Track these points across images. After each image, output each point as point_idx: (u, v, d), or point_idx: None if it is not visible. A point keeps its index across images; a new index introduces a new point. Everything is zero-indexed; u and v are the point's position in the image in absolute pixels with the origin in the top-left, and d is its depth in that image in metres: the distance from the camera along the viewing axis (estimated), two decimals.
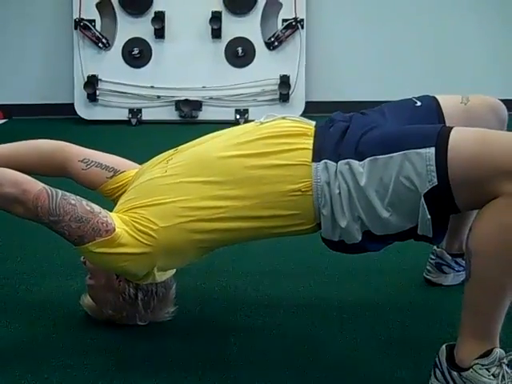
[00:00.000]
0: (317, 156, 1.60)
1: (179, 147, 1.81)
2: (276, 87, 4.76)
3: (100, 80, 4.75)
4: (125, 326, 1.86)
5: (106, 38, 4.74)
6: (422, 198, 1.48)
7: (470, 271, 1.48)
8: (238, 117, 4.75)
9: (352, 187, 1.55)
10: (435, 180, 1.46)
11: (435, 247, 2.10)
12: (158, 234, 1.63)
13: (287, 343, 1.81)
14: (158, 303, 1.85)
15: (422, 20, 4.91)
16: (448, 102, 1.78)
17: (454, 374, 1.52)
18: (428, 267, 2.14)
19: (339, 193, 1.57)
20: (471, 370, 1.50)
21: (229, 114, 4.75)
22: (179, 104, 4.76)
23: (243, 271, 2.23)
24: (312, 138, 1.64)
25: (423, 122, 1.68)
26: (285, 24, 4.74)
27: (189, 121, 4.76)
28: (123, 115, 4.78)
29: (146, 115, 4.79)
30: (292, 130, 1.67)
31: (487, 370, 1.48)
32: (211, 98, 4.78)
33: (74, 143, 1.99)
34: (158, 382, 1.64)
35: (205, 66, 4.78)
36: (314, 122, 1.72)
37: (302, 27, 4.75)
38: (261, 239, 1.78)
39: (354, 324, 1.90)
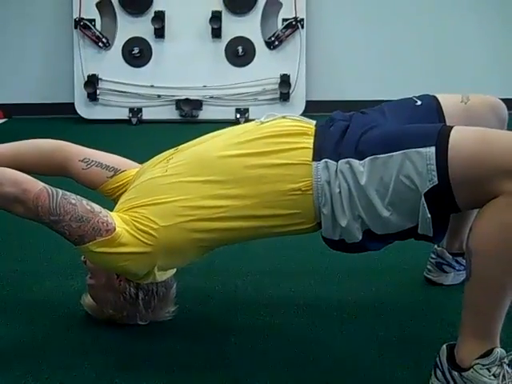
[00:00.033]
0: (317, 155, 1.60)
1: (179, 146, 1.81)
2: (276, 86, 4.76)
3: (100, 79, 4.75)
4: (125, 325, 1.86)
5: (106, 38, 4.74)
6: (423, 197, 1.48)
7: (470, 270, 1.48)
8: (238, 116, 4.75)
9: (352, 186, 1.55)
10: (435, 179, 1.46)
11: (436, 246, 2.10)
12: (159, 234, 1.63)
13: (287, 343, 1.81)
14: (159, 303, 1.85)
15: (422, 19, 4.91)
16: (448, 101, 1.78)
17: (455, 373, 1.52)
18: (428, 266, 2.14)
19: (339, 192, 1.57)
20: (472, 369, 1.49)
21: (229, 114, 4.75)
22: (180, 103, 4.76)
23: (243, 271, 2.23)
24: (312, 138, 1.64)
25: (423, 122, 1.68)
26: (285, 23, 4.74)
27: (189, 120, 4.76)
28: (123, 114, 4.78)
29: (147, 114, 4.79)
30: (292, 129, 1.67)
31: (488, 369, 1.48)
32: (211, 98, 4.78)
33: (74, 143, 1.99)
34: (158, 381, 1.64)
35: (205, 65, 4.78)
36: (314, 122, 1.72)
37: (302, 27, 4.75)
38: (261, 238, 1.78)
39: (355, 323, 1.90)
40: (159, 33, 4.75)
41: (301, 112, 4.57)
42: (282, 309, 1.99)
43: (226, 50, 4.77)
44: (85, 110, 4.81)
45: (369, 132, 1.60)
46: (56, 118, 4.82)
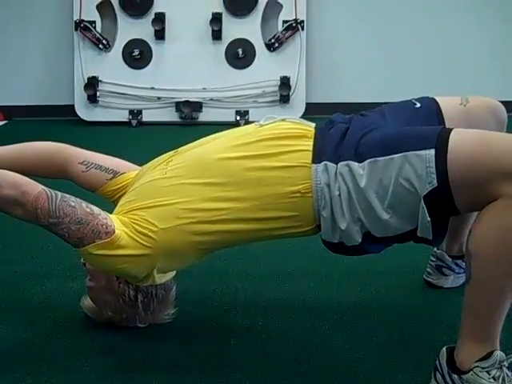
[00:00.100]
0: (317, 158, 1.60)
1: (179, 149, 1.81)
2: (276, 88, 4.76)
3: (100, 81, 4.76)
4: (125, 327, 1.86)
5: (106, 40, 4.75)
6: (422, 200, 1.48)
7: (470, 273, 1.48)
8: (238, 118, 4.75)
9: (352, 189, 1.55)
10: (435, 182, 1.46)
11: (435, 249, 2.10)
12: (158, 236, 1.63)
13: (287, 345, 1.80)
14: (158, 305, 1.85)
15: (422, 22, 4.91)
16: (447, 104, 1.78)
17: (455, 376, 1.52)
18: (428, 269, 2.13)
19: (339, 194, 1.56)
20: (471, 372, 1.49)
21: (229, 116, 4.75)
22: (179, 105, 4.77)
23: (243, 273, 2.23)
24: (312, 140, 1.64)
25: (423, 124, 1.68)
26: (285, 25, 4.74)
27: (189, 122, 4.77)
28: (123, 116, 4.78)
29: (147, 116, 4.79)
30: (292, 131, 1.67)
31: (487, 372, 1.48)
32: (211, 100, 4.78)
33: (74, 145, 1.99)
34: (158, 383, 1.63)
35: (205, 67, 4.78)
36: (313, 124, 1.72)
37: (303, 28, 4.75)
38: (261, 241, 1.78)
39: (354, 326, 1.90)
40: (159, 35, 4.76)
41: (301, 114, 4.58)
42: (281, 311, 1.99)
43: (226, 52, 4.78)
44: (85, 112, 4.81)
45: (368, 134, 1.60)
46: (56, 120, 4.83)
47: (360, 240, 1.59)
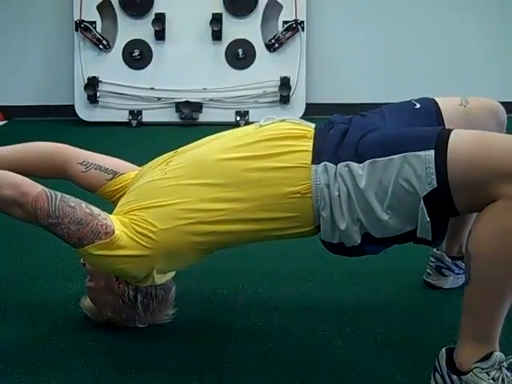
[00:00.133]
0: (316, 158, 1.60)
1: (179, 149, 1.81)
2: (276, 89, 4.76)
3: (100, 81, 4.76)
4: (124, 328, 1.86)
5: (106, 40, 4.75)
6: (422, 201, 1.48)
7: (469, 274, 1.48)
8: (238, 118, 4.75)
9: (351, 189, 1.55)
10: (435, 183, 1.46)
11: (435, 250, 2.10)
12: (158, 236, 1.63)
13: (287, 346, 1.80)
14: (158, 305, 1.85)
15: (422, 22, 4.91)
16: (447, 105, 1.78)
17: (454, 377, 1.52)
18: (428, 270, 2.13)
19: (339, 195, 1.56)
20: (471, 373, 1.49)
21: (229, 116, 4.75)
22: (179, 106, 4.77)
23: (243, 274, 2.23)
24: (312, 141, 1.64)
25: (422, 125, 1.68)
26: (285, 26, 4.74)
27: (189, 122, 4.77)
28: (123, 117, 4.78)
29: (147, 117, 4.79)
30: (292, 132, 1.67)
31: (487, 373, 1.48)
32: (211, 100, 4.78)
33: (74, 145, 1.99)
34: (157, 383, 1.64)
35: (205, 67, 4.78)
36: (313, 125, 1.72)
37: (303, 29, 4.75)
38: (260, 242, 1.78)
39: (354, 327, 1.90)
40: (160, 35, 4.76)
41: (301, 115, 4.57)
42: (281, 312, 1.99)
43: (226, 53, 4.78)
44: (85, 113, 4.81)
45: (368, 135, 1.60)
46: (56, 120, 4.83)
47: (359, 241, 1.59)
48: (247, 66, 4.78)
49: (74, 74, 4.79)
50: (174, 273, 1.87)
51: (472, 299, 1.50)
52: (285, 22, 4.75)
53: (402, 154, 1.50)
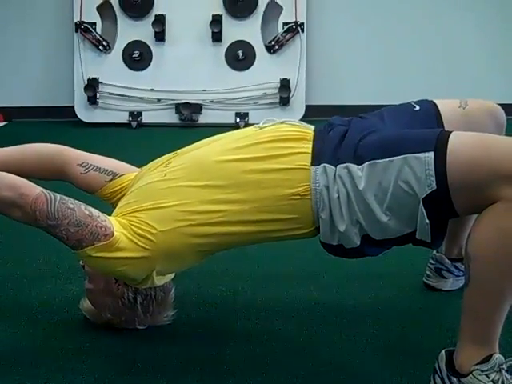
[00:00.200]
0: (316, 160, 1.60)
1: (178, 151, 1.81)
2: (276, 91, 4.76)
3: (100, 83, 4.76)
4: (124, 329, 1.86)
5: (106, 41, 4.74)
6: (421, 203, 1.48)
7: (469, 276, 1.48)
8: (238, 120, 4.74)
9: (351, 191, 1.55)
10: (434, 184, 1.46)
11: (435, 252, 2.10)
12: (157, 238, 1.63)
13: (286, 348, 1.80)
14: (157, 307, 1.85)
15: (423, 24, 4.90)
16: (446, 107, 1.78)
17: (454, 379, 1.52)
18: (427, 272, 2.13)
19: (338, 197, 1.56)
20: (471, 375, 1.49)
21: (229, 118, 4.75)
22: (179, 107, 4.76)
23: (243, 275, 2.23)
24: (311, 142, 1.64)
25: (422, 127, 1.68)
26: (285, 27, 4.74)
27: (189, 124, 4.76)
28: (123, 118, 4.77)
29: (147, 118, 4.79)
30: (291, 134, 1.67)
31: (487, 375, 1.48)
32: (211, 102, 4.78)
33: (73, 146, 1.99)
34: None
35: (205, 69, 4.78)
36: (312, 127, 1.72)
37: (303, 31, 4.75)
38: (260, 243, 1.78)
39: (354, 329, 1.90)
40: (160, 36, 4.75)
41: (300, 116, 4.57)
42: (281, 313, 1.98)
43: (226, 54, 4.77)
44: (85, 114, 4.81)
45: (367, 137, 1.60)
46: (56, 122, 4.82)
47: (359, 242, 1.59)
48: (247, 68, 4.78)
49: (73, 75, 4.79)
50: (173, 274, 1.87)
51: (471, 301, 1.50)
52: (285, 24, 4.75)
53: (401, 156, 1.50)
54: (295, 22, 4.74)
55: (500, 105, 1.85)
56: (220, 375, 1.68)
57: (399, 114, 1.76)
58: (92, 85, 4.72)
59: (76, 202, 1.65)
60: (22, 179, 1.65)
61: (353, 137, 1.61)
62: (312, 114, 4.58)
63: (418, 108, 1.77)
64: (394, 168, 1.51)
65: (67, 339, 1.85)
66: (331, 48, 4.93)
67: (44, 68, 4.95)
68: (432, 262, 2.12)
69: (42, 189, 1.63)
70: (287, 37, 4.74)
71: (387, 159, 1.52)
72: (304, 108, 4.79)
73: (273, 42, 4.75)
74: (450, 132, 1.52)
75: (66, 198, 1.65)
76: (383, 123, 1.71)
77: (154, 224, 1.63)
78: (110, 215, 1.70)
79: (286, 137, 1.66)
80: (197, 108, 4.77)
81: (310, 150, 1.62)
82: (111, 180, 1.89)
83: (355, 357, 1.76)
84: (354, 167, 1.55)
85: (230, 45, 4.76)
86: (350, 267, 2.09)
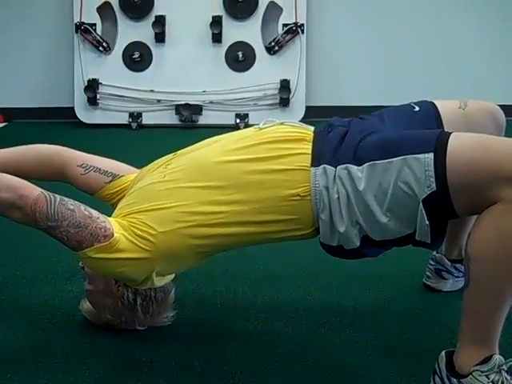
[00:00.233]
0: (316, 161, 1.60)
1: (178, 152, 1.81)
2: (276, 92, 4.76)
3: (100, 84, 4.76)
4: (124, 330, 1.86)
5: (106, 42, 4.74)
6: (421, 204, 1.48)
7: (468, 277, 1.48)
8: (238, 121, 4.74)
9: (351, 192, 1.55)
10: (434, 185, 1.46)
11: (434, 253, 2.10)
12: (157, 239, 1.63)
13: (286, 349, 1.80)
14: (157, 308, 1.85)
15: (423, 25, 4.91)
16: (446, 108, 1.78)
17: (454, 380, 1.52)
18: (427, 273, 2.13)
19: (338, 197, 1.57)
20: (470, 376, 1.49)
21: (229, 119, 4.75)
22: (179, 108, 4.76)
23: (242, 276, 2.23)
24: (311, 143, 1.64)
25: (422, 128, 1.68)
26: (285, 29, 4.74)
27: (189, 125, 4.76)
28: (123, 119, 4.78)
29: (147, 119, 4.79)
30: (291, 135, 1.67)
31: (486, 376, 1.48)
32: (211, 103, 4.78)
33: (73, 147, 1.99)
34: None
35: (205, 70, 4.78)
36: (312, 128, 1.72)
37: (303, 32, 4.75)
38: (260, 244, 1.78)
39: (354, 330, 1.90)
40: (160, 37, 4.75)
41: (301, 117, 4.57)
42: (280, 314, 1.98)
43: (226, 55, 4.77)
44: (85, 115, 4.81)
45: (367, 138, 1.60)
46: (56, 123, 4.82)
47: (358, 243, 1.59)
48: (247, 69, 4.78)
49: (74, 76, 4.79)
50: (173, 275, 1.87)
51: (471, 302, 1.50)
52: (285, 25, 4.75)
53: (401, 157, 1.50)
54: (295, 23, 4.74)
55: (500, 106, 1.85)
56: (220, 375, 1.68)
57: (399, 114, 1.76)
58: (92, 86, 4.72)
59: (76, 203, 1.65)
60: (21, 180, 1.65)
61: (353, 138, 1.61)
62: (312, 114, 4.58)
63: (417, 109, 1.77)
64: (393, 169, 1.51)
65: (67, 340, 1.85)
66: (331, 49, 4.93)
67: (44, 69, 4.95)
68: (432, 262, 2.12)
69: (41, 190, 1.63)
70: (287, 38, 4.74)
71: (387, 160, 1.52)
72: (304, 109, 4.79)
73: (273, 43, 4.75)
74: (450, 133, 1.52)
75: (66, 199, 1.65)
76: (383, 124, 1.71)
77: (153, 225, 1.63)
78: (109, 216, 1.70)
79: (286, 138, 1.66)
80: (197, 109, 4.77)
81: (309, 151, 1.62)
82: (111, 181, 1.89)
83: (355, 357, 1.76)
84: (353, 168, 1.55)
85: (230, 46, 4.76)
86: (350, 268, 2.09)
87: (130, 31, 4.77)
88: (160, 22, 4.73)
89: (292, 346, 1.81)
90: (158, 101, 4.77)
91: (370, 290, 2.13)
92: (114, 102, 4.77)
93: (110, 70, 4.76)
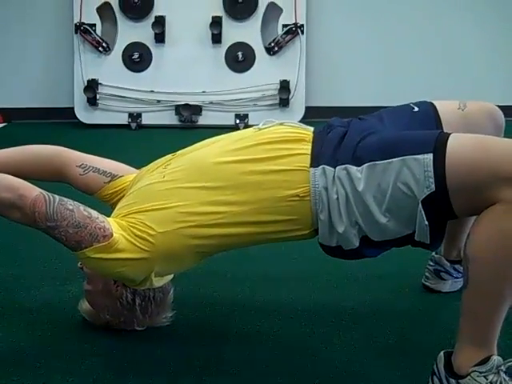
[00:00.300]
0: (315, 161, 1.60)
1: (177, 152, 1.81)
2: (276, 92, 4.75)
3: (100, 84, 4.75)
4: (123, 331, 1.86)
5: (106, 43, 4.74)
6: (420, 204, 1.48)
7: (467, 277, 1.48)
8: (237, 122, 4.74)
9: (350, 192, 1.55)
10: (433, 186, 1.46)
11: (433, 253, 2.10)
12: (156, 240, 1.63)
13: (285, 349, 1.80)
14: (156, 308, 1.85)
15: (424, 26, 4.90)
16: (445, 108, 1.78)
17: (452, 381, 1.52)
18: (426, 273, 2.13)
19: (337, 198, 1.57)
20: (469, 377, 1.49)
21: (229, 119, 4.74)
22: (179, 108, 4.76)
23: (241, 276, 2.23)
24: (310, 144, 1.64)
25: (421, 128, 1.68)
26: (285, 29, 4.74)
27: (189, 125, 4.76)
28: (123, 119, 4.77)
29: (146, 120, 4.79)
30: (290, 135, 1.67)
31: (485, 377, 1.48)
32: (211, 103, 4.78)
33: (73, 147, 1.99)
34: None
35: (205, 70, 4.78)
36: (311, 128, 1.73)
37: (302, 32, 4.75)
38: (259, 244, 1.78)
39: (353, 330, 1.90)
40: (159, 38, 4.75)
41: (300, 118, 4.57)
42: (280, 315, 1.98)
43: (225, 56, 4.77)
44: (84, 115, 4.80)
45: (367, 138, 1.60)
46: (55, 123, 4.82)
47: (357, 244, 1.59)
48: (247, 69, 4.78)
49: (73, 77, 4.78)
50: (172, 275, 1.87)
51: (470, 303, 1.50)
52: (284, 26, 4.74)
53: (400, 158, 1.50)
54: (295, 24, 4.73)
55: (499, 106, 1.85)
56: (219, 376, 1.68)
57: (398, 115, 1.76)
58: (92, 86, 4.72)
59: (75, 203, 1.65)
60: (20, 180, 1.65)
61: (352, 138, 1.61)
62: (311, 115, 4.57)
63: (417, 109, 1.77)
64: (392, 169, 1.51)
65: (66, 340, 1.85)
66: (331, 49, 4.93)
67: (44, 69, 4.95)
68: (431, 263, 2.12)
69: (41, 190, 1.64)
70: (287, 38, 4.74)
71: (386, 161, 1.52)
72: (303, 109, 4.79)
73: (272, 44, 4.74)
74: (449, 134, 1.52)
75: (65, 199, 1.65)
76: (382, 125, 1.71)
77: (152, 225, 1.63)
78: (108, 216, 1.70)
79: (285, 138, 1.66)
80: (196, 109, 4.76)
81: (309, 152, 1.62)
82: (110, 181, 1.89)
83: (354, 357, 1.76)
84: (353, 168, 1.55)
85: (230, 46, 4.76)
86: (349, 268, 2.09)
87: (129, 31, 4.76)
88: (160, 22, 4.72)
89: (291, 346, 1.82)
90: (158, 101, 4.77)
91: (369, 291, 2.13)
92: (113, 103, 4.77)
93: (110, 71, 4.75)
